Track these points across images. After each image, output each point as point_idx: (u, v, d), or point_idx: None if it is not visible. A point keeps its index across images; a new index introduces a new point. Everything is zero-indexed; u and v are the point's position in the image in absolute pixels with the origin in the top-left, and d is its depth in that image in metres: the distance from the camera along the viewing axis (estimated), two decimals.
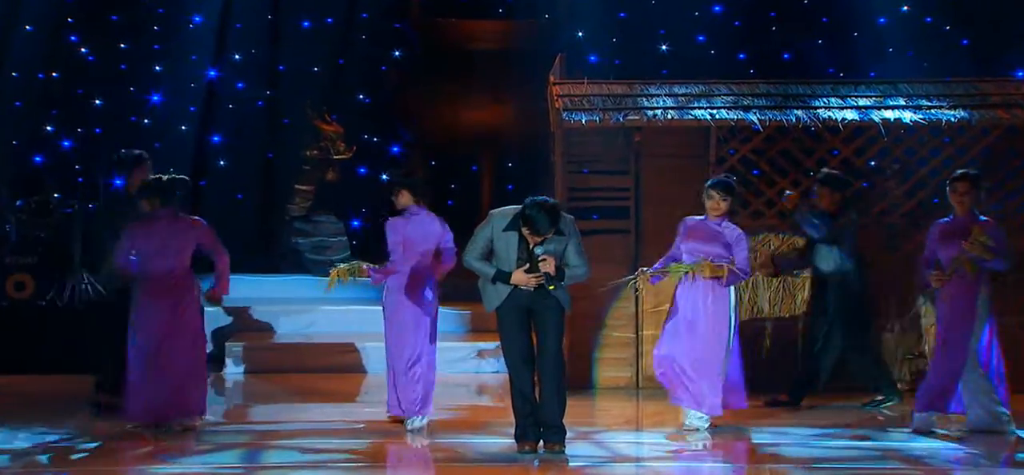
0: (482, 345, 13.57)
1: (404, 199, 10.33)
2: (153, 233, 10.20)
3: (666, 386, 10.27)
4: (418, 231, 10.23)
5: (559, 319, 8.91)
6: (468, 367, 13.45)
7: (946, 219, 10.36)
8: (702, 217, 10.30)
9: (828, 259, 11.39)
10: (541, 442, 9.06)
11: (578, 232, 8.97)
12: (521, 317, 8.89)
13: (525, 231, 8.80)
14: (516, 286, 8.84)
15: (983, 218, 10.18)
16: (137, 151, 11.48)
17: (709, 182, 10.37)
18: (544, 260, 8.71)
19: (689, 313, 10.06)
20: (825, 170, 11.78)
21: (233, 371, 13.64)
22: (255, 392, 12.88)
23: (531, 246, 8.81)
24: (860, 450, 9.75)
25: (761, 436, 10.06)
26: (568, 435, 9.15)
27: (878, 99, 12.65)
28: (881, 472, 9.29)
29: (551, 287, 8.71)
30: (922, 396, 10.26)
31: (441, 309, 10.37)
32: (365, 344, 13.52)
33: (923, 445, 9.81)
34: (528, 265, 8.80)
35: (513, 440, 9.80)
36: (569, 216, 9.00)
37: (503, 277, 8.82)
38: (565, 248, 8.82)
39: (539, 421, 8.99)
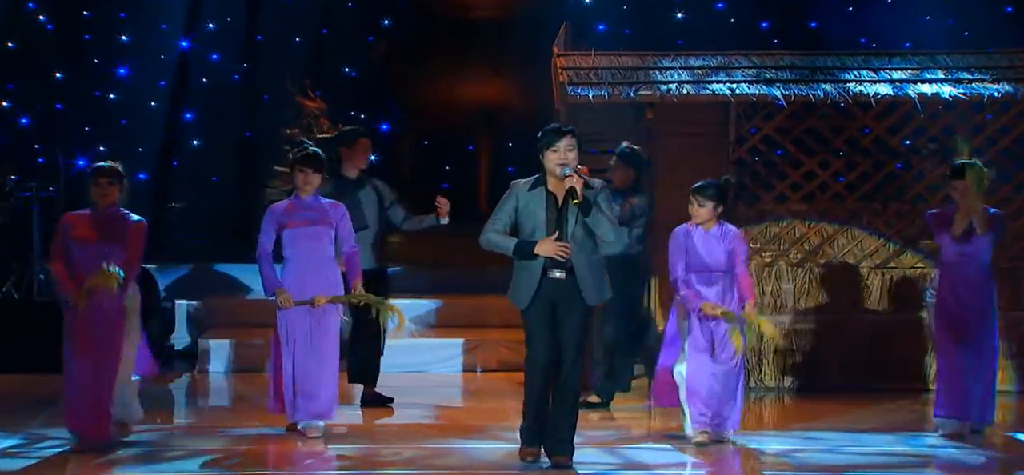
0: (459, 341, 13.57)
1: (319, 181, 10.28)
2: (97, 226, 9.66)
3: (667, 404, 10.15)
4: None
5: (582, 320, 8.79)
6: (449, 367, 13.43)
7: (947, 208, 10.45)
8: (693, 227, 9.83)
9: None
10: (544, 451, 8.98)
11: (610, 197, 8.86)
12: (547, 316, 8.75)
13: (549, 155, 8.67)
14: (545, 273, 8.68)
15: (992, 210, 10.31)
16: (355, 127, 11.80)
17: (695, 187, 9.87)
18: (570, 177, 8.60)
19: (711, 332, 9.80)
20: (624, 144, 11.50)
21: (209, 369, 13.60)
22: (232, 393, 12.84)
23: (559, 203, 8.69)
24: (890, 456, 9.72)
25: (785, 441, 10.02)
26: (576, 440, 9.10)
27: (914, 72, 12.61)
28: None
29: (575, 201, 8.56)
30: (953, 401, 10.24)
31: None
32: None
33: (956, 451, 9.80)
34: (557, 234, 8.67)
35: (511, 445, 9.77)
36: (600, 181, 8.91)
37: (526, 248, 8.67)
38: (595, 198, 8.71)
39: (545, 430, 8.92)
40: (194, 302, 14.73)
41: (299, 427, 10.14)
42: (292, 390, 10.10)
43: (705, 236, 9.76)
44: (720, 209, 9.76)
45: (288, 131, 17.01)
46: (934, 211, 10.56)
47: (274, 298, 10.08)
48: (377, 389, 11.55)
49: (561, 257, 8.65)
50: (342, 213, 10.25)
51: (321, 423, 10.17)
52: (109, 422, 9.56)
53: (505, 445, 9.88)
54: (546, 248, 8.66)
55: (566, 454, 8.88)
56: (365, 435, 10.36)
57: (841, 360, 12.44)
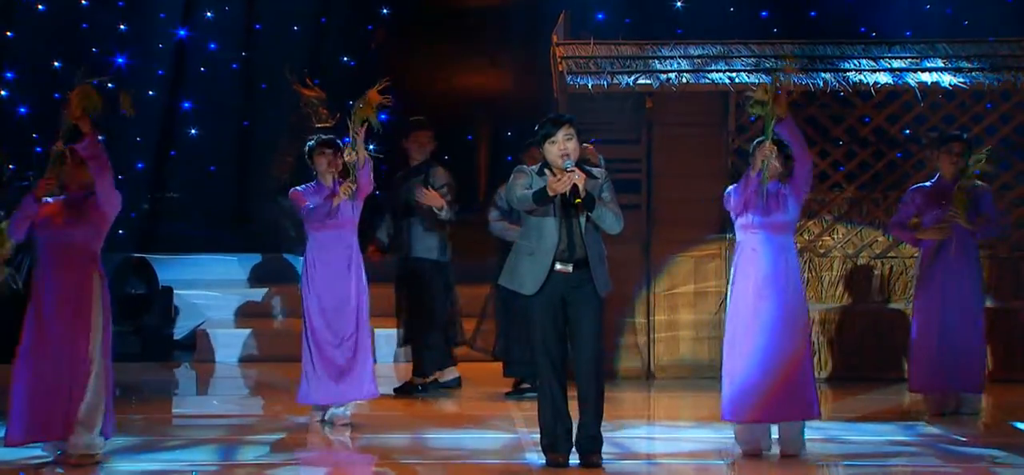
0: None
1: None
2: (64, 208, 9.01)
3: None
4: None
5: (597, 311, 8.58)
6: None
7: (929, 182, 10.67)
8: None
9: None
10: (576, 450, 8.65)
11: (612, 185, 8.71)
12: (556, 313, 8.56)
13: (548, 147, 8.52)
14: (553, 266, 8.49)
15: (978, 183, 10.52)
16: (417, 118, 11.90)
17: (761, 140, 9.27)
18: (572, 172, 8.41)
19: (761, 302, 9.08)
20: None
21: (207, 359, 13.63)
22: (231, 382, 12.86)
23: (567, 192, 8.43)
24: (894, 443, 9.74)
25: None
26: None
27: (914, 61, 12.62)
28: (921, 469, 9.30)
29: (577, 201, 8.39)
30: (924, 374, 10.54)
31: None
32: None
33: (954, 437, 9.87)
34: (565, 222, 8.50)
35: (510, 434, 9.78)
36: (602, 169, 8.81)
37: (541, 193, 8.41)
38: (599, 191, 8.63)
39: (571, 429, 8.63)
40: (192, 291, 14.75)
41: (326, 415, 10.28)
42: (314, 374, 10.22)
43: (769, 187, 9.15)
44: (791, 164, 9.13)
45: (292, 118, 17.04)
46: (923, 186, 10.73)
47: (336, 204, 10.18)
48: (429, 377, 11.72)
49: (574, 182, 8.35)
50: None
51: (347, 411, 10.30)
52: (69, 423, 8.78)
53: (504, 434, 9.89)
54: (555, 184, 8.35)
55: (595, 451, 8.64)
56: (364, 424, 10.37)
57: (841, 349, 12.46)
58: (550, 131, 8.58)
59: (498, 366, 11.76)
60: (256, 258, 15.88)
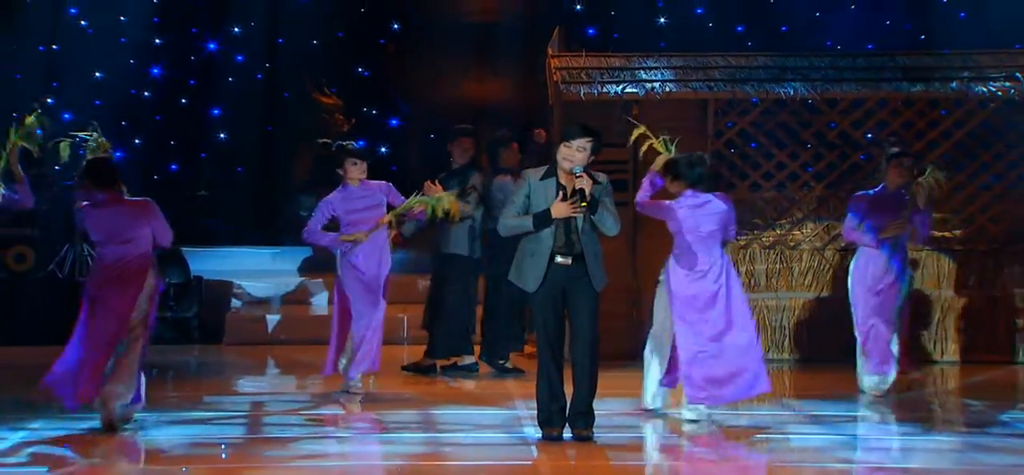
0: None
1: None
2: (100, 218, 9.11)
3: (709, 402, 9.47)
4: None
5: (593, 299, 8.63)
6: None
7: (874, 191, 10.69)
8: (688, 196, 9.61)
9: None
10: (569, 425, 8.73)
11: (612, 192, 8.73)
12: (556, 302, 8.61)
13: (562, 150, 8.55)
14: (552, 259, 8.53)
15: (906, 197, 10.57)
16: (462, 126, 11.97)
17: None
18: (581, 177, 8.47)
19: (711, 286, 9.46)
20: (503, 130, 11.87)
21: (235, 342, 13.71)
22: (259, 363, 12.93)
23: (568, 195, 8.51)
24: (859, 419, 9.81)
25: (762, 410, 10.07)
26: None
27: (876, 72, 12.69)
28: (889, 441, 9.39)
29: (583, 204, 8.43)
30: (883, 358, 10.59)
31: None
32: None
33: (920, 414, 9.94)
34: (565, 196, 8.53)
35: (511, 411, 9.86)
36: (604, 176, 8.78)
37: (542, 217, 8.50)
38: (600, 196, 8.63)
39: (565, 407, 8.70)
40: (221, 281, 14.84)
41: (350, 387, 10.49)
42: (345, 352, 10.46)
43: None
44: (677, 184, 9.51)
45: (312, 124, 17.12)
46: (868, 193, 10.75)
47: (342, 250, 10.40)
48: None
49: (576, 213, 8.49)
50: (389, 188, 10.53)
51: (358, 382, 10.53)
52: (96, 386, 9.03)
53: (504, 410, 9.96)
54: (560, 210, 8.46)
55: (587, 426, 8.70)
56: (377, 399, 10.45)
57: (809, 334, 12.54)
58: (570, 136, 8.59)
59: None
60: (279, 250, 15.96)
